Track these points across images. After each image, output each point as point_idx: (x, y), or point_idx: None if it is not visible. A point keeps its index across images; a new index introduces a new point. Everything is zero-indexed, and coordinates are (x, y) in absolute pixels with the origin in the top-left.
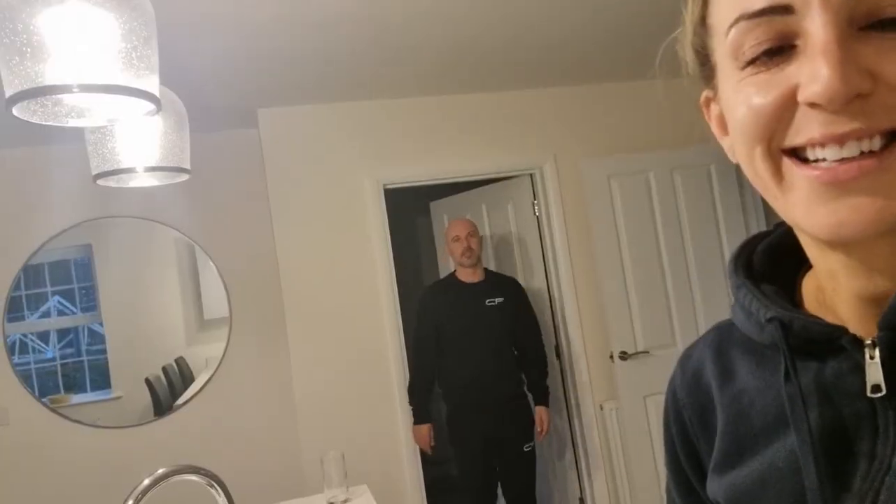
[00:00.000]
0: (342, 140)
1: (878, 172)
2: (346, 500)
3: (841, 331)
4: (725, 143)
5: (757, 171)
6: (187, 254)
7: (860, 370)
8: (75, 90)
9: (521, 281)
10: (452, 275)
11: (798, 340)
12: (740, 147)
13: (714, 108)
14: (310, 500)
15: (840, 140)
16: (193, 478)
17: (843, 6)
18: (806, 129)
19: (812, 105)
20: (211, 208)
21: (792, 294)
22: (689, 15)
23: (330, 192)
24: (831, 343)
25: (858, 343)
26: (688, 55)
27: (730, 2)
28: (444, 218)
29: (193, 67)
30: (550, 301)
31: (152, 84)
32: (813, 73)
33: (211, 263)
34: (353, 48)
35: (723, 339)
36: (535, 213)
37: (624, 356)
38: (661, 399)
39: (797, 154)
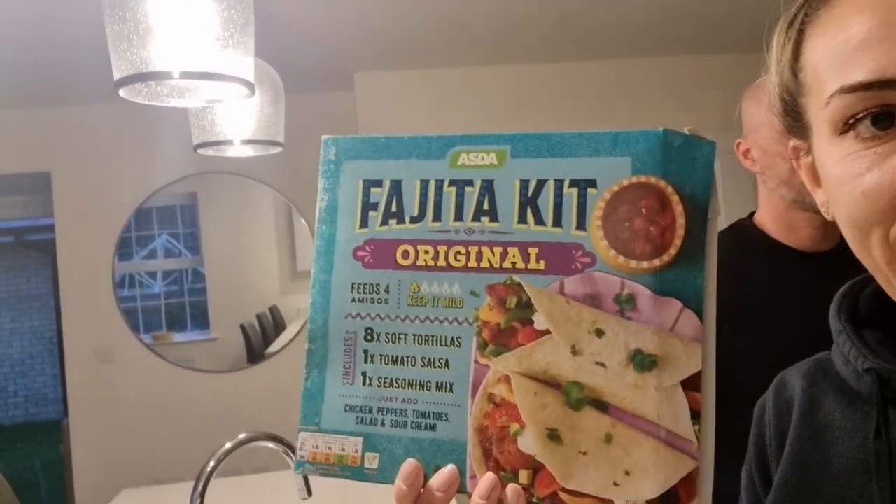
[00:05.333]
0: (439, 107)
1: None
2: None
3: None
4: (818, 196)
5: (872, 254)
6: (283, 208)
7: None
8: (175, 77)
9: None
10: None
11: (894, 394)
12: (850, 229)
13: (805, 159)
14: None
15: None
16: (270, 445)
17: None
18: None
19: None
20: (304, 167)
21: None
22: (775, 64)
23: None
24: None
25: None
26: (773, 103)
27: (831, 67)
28: None
29: (293, 28)
30: None
31: (247, 69)
32: None
33: (302, 220)
34: (455, 12)
35: (818, 371)
36: None
37: None
38: None
39: None
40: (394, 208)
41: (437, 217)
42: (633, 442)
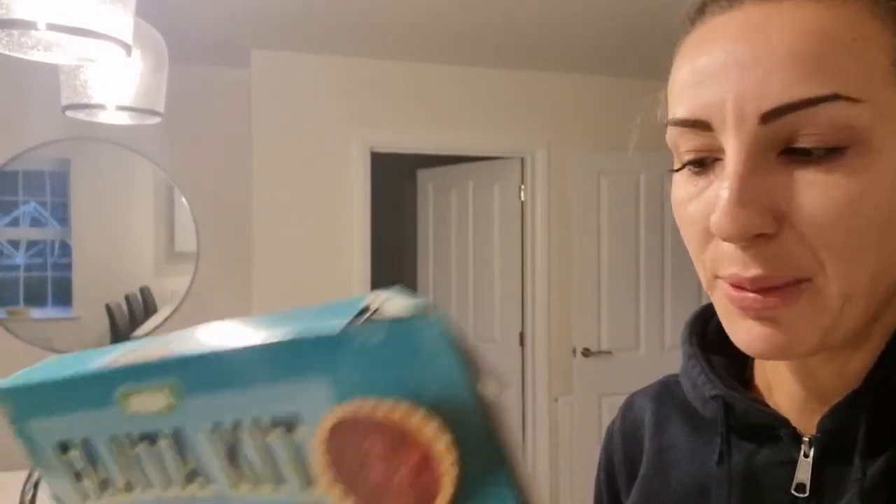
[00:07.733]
0: (336, 95)
1: (782, 309)
2: None
3: (781, 422)
4: None
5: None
6: (164, 185)
7: (791, 464)
8: (41, 28)
9: (495, 264)
10: None
11: (738, 421)
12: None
13: None
14: None
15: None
16: None
17: (759, 132)
18: (722, 262)
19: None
20: (189, 143)
21: (743, 368)
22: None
23: (316, 147)
24: (770, 430)
25: (796, 437)
26: None
27: (673, 94)
28: (429, 188)
29: None
30: (522, 287)
31: (125, 29)
32: (717, 204)
33: (183, 199)
34: (362, 0)
35: (665, 393)
36: (520, 198)
37: (587, 353)
38: (616, 400)
39: None
40: (100, 475)
41: (147, 483)
42: None
